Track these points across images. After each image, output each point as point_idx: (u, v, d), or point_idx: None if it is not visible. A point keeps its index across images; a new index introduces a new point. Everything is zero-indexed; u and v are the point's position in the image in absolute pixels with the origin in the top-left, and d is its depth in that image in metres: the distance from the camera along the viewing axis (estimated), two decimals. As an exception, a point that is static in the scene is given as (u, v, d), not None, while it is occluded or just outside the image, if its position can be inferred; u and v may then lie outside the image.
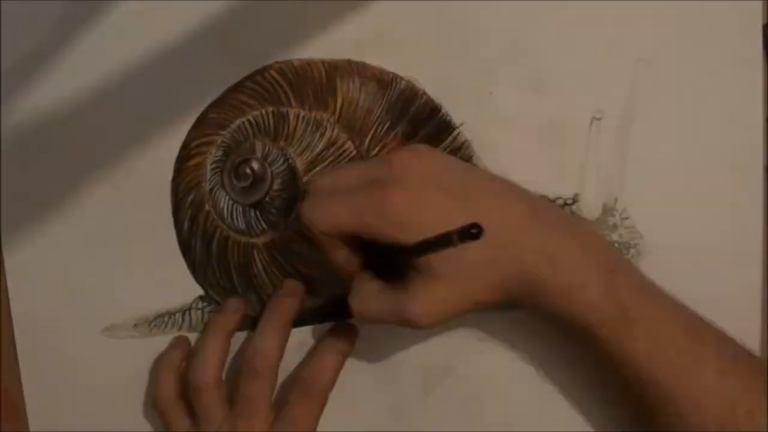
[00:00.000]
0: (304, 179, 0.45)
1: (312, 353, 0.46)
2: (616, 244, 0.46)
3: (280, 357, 0.44)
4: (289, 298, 0.45)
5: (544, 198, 0.44)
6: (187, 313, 0.48)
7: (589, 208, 0.46)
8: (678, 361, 0.39)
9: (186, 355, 0.46)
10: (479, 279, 0.40)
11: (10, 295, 0.47)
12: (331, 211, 0.40)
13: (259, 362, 0.43)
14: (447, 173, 0.41)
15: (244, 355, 0.44)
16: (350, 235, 0.41)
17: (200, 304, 0.48)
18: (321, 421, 0.44)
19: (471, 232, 0.33)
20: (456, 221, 0.34)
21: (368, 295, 0.41)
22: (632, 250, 0.46)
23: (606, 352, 0.40)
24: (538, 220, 0.40)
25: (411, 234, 0.38)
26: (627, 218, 0.46)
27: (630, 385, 0.40)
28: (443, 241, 0.35)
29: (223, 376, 0.45)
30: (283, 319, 0.44)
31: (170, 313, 0.48)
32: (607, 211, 0.46)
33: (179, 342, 0.47)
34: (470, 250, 0.35)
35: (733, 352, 0.40)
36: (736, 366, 0.39)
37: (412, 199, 0.39)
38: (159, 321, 0.48)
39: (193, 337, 0.47)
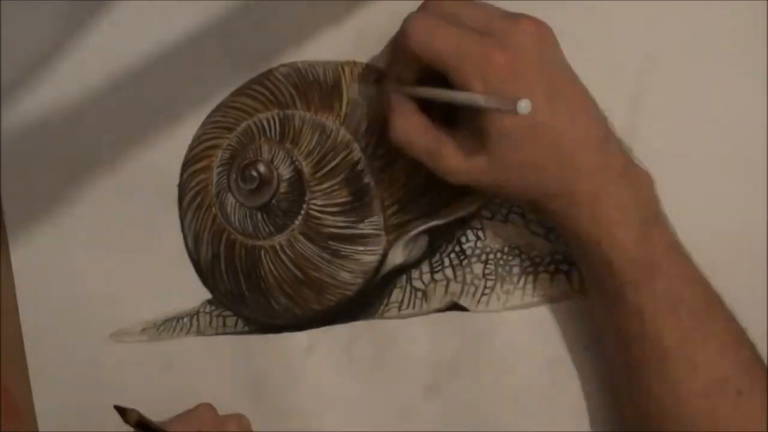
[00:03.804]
0: (310, 182, 0.45)
1: None
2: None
3: None
4: None
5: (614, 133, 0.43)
6: (195, 317, 0.48)
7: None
8: (687, 324, 0.40)
9: None
10: (525, 173, 0.40)
11: (18, 299, 0.47)
12: (436, 34, 0.39)
13: None
14: (555, 68, 0.41)
15: None
16: (427, 63, 0.40)
17: (208, 308, 0.48)
18: (326, 421, 0.45)
19: (514, 107, 0.34)
20: (536, 111, 0.35)
21: (413, 122, 0.41)
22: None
23: (618, 295, 0.40)
24: (606, 152, 0.40)
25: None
26: (634, 216, 0.46)
27: (629, 334, 0.40)
28: (490, 99, 0.37)
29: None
30: None
31: (178, 317, 0.48)
32: (614, 209, 0.46)
33: None
34: (532, 145, 0.38)
35: (740, 336, 0.41)
36: (738, 348, 0.40)
37: (510, 71, 0.39)
38: (167, 325, 0.48)
39: (201, 340, 0.48)
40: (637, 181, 0.41)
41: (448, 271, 0.47)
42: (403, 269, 0.47)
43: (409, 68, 0.41)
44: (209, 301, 0.48)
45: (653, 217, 0.41)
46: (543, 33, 0.40)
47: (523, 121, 0.38)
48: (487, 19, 0.40)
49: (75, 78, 0.46)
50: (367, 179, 0.45)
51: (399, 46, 0.41)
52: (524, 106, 0.34)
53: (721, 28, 0.45)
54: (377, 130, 0.46)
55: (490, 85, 0.38)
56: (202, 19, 0.46)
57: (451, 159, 0.40)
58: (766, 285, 0.45)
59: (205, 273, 0.47)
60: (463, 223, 0.46)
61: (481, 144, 0.39)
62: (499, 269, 0.46)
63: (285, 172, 0.45)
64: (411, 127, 0.41)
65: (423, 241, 0.47)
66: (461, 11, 0.40)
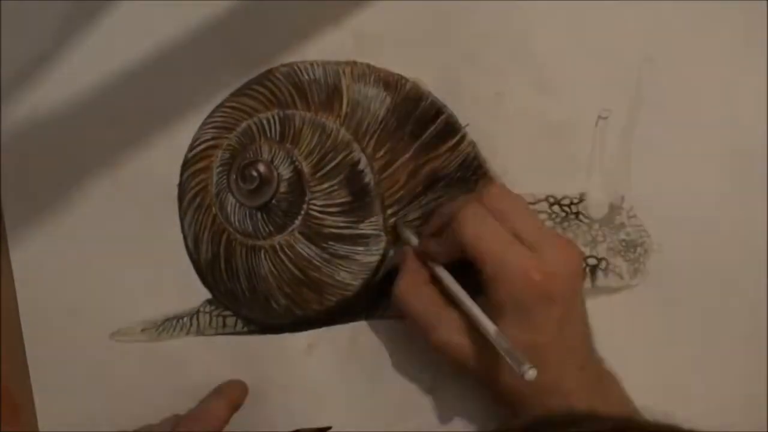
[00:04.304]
0: (310, 182, 0.45)
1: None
2: (624, 243, 0.46)
3: (225, 421, 0.45)
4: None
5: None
6: (195, 316, 0.48)
7: (596, 206, 0.46)
8: None
9: None
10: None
11: (18, 299, 0.47)
12: (485, 233, 0.41)
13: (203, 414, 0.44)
14: (576, 298, 0.42)
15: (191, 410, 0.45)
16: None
17: (208, 308, 0.48)
18: (326, 421, 0.45)
19: (518, 367, 0.37)
20: (547, 333, 0.40)
21: (421, 290, 0.43)
22: (639, 249, 0.46)
23: None
24: (585, 370, 0.41)
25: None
26: (634, 216, 0.46)
27: None
28: (502, 342, 0.39)
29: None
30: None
31: (178, 317, 0.48)
32: (614, 209, 0.46)
33: None
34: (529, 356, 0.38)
35: None
36: None
37: (541, 291, 0.40)
38: (167, 325, 0.48)
39: (200, 340, 0.48)
40: (609, 389, 0.42)
41: (448, 271, 0.47)
42: (403, 269, 0.47)
43: (445, 250, 0.42)
44: (209, 301, 0.48)
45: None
46: (577, 261, 0.42)
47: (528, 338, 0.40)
48: (534, 232, 0.41)
49: (75, 78, 0.46)
50: (367, 179, 0.45)
51: (449, 228, 0.42)
52: (531, 374, 0.36)
53: (721, 28, 0.45)
54: (377, 130, 0.46)
55: (514, 297, 0.40)
56: (202, 19, 0.46)
57: (443, 333, 0.42)
58: (766, 285, 0.45)
59: (205, 273, 0.47)
60: (463, 223, 0.46)
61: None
62: (499, 269, 0.46)
63: (285, 172, 0.45)
64: (418, 293, 0.43)
65: (423, 241, 0.47)
66: (513, 213, 0.41)
